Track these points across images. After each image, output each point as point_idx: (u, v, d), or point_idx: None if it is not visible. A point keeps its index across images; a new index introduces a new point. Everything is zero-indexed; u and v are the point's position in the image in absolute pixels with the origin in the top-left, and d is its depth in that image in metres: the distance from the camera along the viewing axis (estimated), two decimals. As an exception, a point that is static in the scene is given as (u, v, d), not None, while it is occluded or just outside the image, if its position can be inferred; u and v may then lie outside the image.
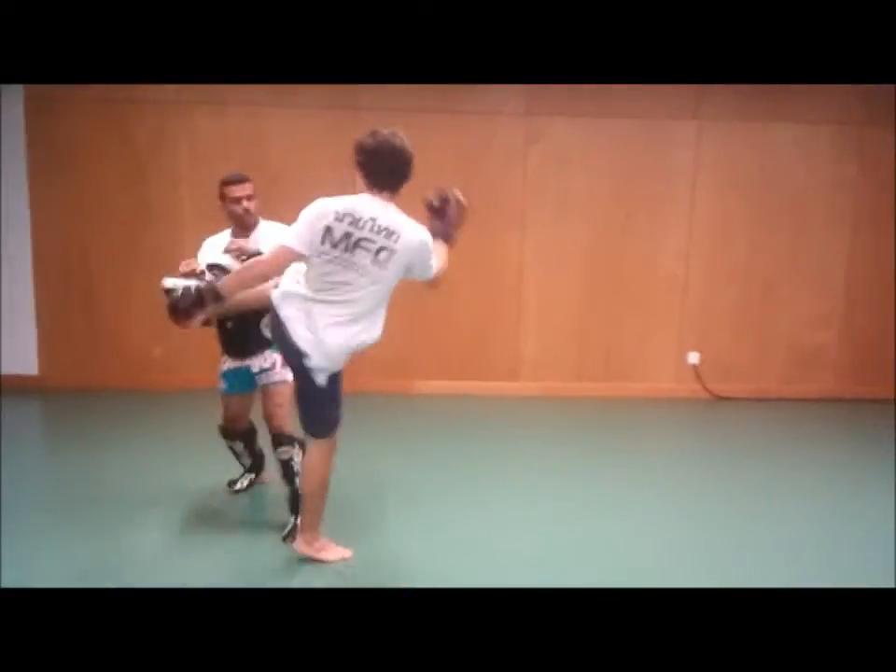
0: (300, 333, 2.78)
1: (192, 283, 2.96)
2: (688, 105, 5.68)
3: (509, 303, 5.83)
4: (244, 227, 3.48)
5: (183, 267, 3.23)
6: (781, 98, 5.64)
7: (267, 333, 3.14)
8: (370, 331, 2.86)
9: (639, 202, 5.78)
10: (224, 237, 3.52)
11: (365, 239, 2.74)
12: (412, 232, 2.79)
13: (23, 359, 5.65)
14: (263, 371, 3.46)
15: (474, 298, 5.79)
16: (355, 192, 2.85)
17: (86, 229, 5.58)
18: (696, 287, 5.87)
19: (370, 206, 2.78)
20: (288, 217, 2.91)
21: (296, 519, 3.17)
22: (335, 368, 2.85)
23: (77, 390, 5.56)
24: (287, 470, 3.30)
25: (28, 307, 5.61)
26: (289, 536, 3.17)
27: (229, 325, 3.46)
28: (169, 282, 3.08)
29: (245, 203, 3.42)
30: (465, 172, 5.65)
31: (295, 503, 3.21)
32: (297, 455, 3.26)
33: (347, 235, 2.74)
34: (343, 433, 3.02)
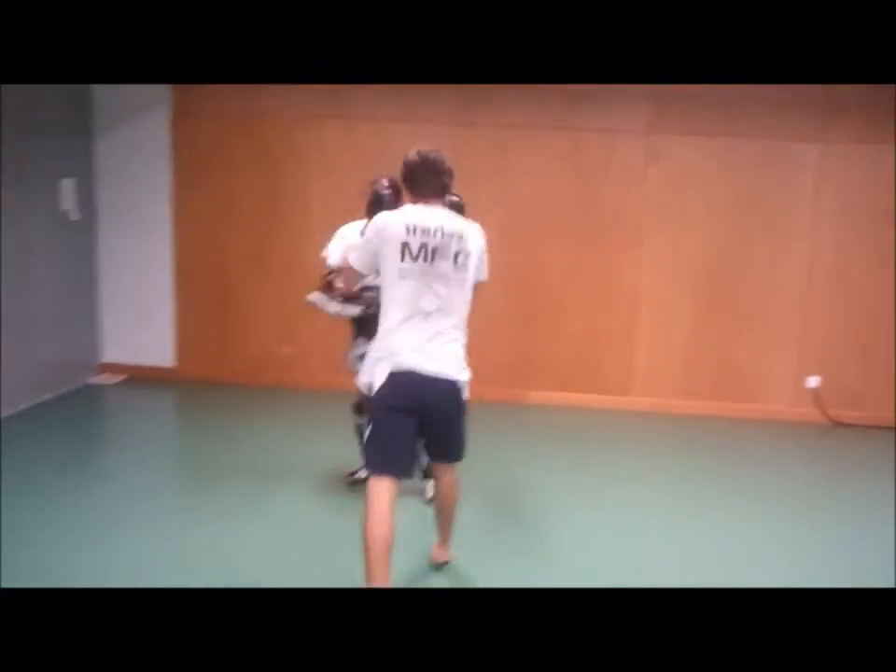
0: (431, 365, 2.75)
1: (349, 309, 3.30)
2: (812, 127, 5.55)
3: (621, 319, 5.86)
4: None
5: (339, 286, 3.51)
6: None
7: None
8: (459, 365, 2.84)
9: (759, 221, 5.70)
10: (356, 226, 3.75)
11: (441, 246, 2.74)
12: (476, 232, 2.88)
13: (162, 352, 6.07)
14: None
15: (588, 312, 5.85)
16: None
17: (223, 233, 5.95)
18: (818, 309, 5.73)
19: (431, 215, 2.79)
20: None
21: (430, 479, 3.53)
22: (467, 375, 2.86)
23: (209, 383, 5.94)
24: None
25: (168, 304, 6.03)
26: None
27: (370, 310, 3.63)
28: (333, 308, 3.42)
29: None
30: (583, 188, 5.73)
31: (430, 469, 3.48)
32: None
33: (423, 246, 2.72)
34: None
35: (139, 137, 5.88)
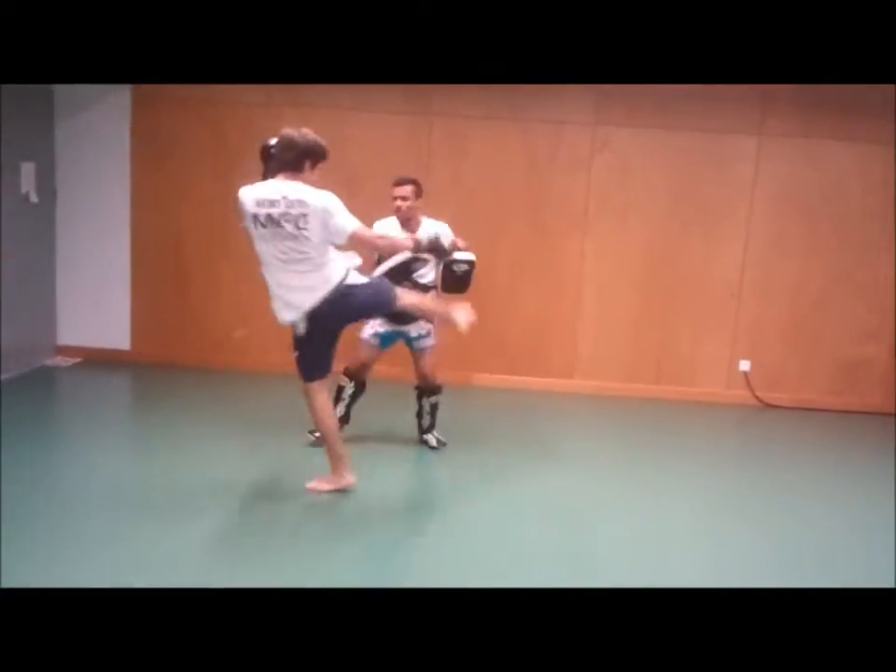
0: (295, 297, 3.47)
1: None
2: (749, 121, 5.89)
3: (567, 304, 6.13)
4: (402, 222, 4.25)
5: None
6: (842, 117, 5.81)
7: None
8: (325, 286, 3.44)
9: (698, 212, 6.01)
10: (390, 222, 4.29)
11: (284, 213, 3.33)
12: (315, 197, 3.35)
13: (118, 335, 6.16)
14: (420, 336, 4.33)
15: (535, 297, 6.11)
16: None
17: (180, 217, 6.05)
18: (750, 296, 6.08)
19: (277, 187, 3.38)
20: (363, 213, 3.56)
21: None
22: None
23: (165, 366, 6.04)
24: (434, 410, 4.57)
25: (125, 287, 6.11)
26: (440, 443, 4.55)
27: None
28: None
29: (398, 203, 4.23)
30: (533, 177, 5.97)
31: (433, 425, 4.59)
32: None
33: (269, 215, 3.35)
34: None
35: (99, 121, 5.94)
